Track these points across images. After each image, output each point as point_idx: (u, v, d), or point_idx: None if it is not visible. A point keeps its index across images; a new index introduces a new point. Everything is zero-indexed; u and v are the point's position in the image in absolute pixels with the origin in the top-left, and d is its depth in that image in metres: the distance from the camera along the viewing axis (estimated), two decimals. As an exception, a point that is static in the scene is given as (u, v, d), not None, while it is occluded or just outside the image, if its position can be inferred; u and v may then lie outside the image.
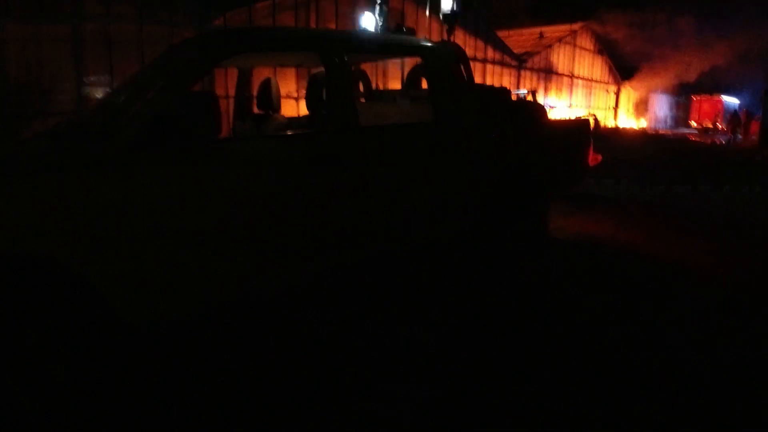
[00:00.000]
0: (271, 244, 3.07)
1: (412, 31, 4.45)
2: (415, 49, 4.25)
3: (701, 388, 2.73)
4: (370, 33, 4.15)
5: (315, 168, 3.18)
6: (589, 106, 29.11)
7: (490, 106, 4.41)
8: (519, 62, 22.50)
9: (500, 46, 21.04)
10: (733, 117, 26.91)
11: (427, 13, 6.54)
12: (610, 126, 29.89)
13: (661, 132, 31.83)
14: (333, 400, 2.53)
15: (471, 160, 4.10)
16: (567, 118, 5.33)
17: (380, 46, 4.10)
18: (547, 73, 24.94)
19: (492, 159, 4.27)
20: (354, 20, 14.01)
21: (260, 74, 5.13)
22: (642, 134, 27.80)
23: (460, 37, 17.97)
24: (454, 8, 4.57)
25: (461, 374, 2.81)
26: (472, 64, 4.45)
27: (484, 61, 20.12)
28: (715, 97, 33.66)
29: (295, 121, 4.29)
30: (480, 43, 19.50)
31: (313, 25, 13.00)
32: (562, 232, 5.69)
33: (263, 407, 2.46)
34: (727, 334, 3.41)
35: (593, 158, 5.57)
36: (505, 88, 6.14)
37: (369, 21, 5.24)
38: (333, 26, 13.53)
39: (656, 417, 2.47)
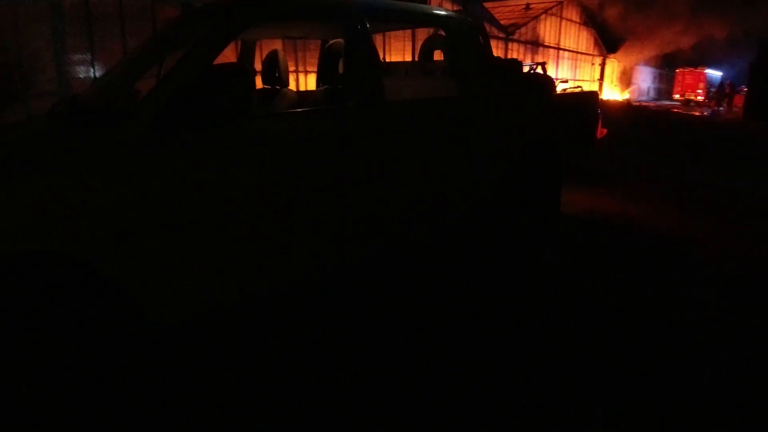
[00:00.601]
0: (310, 230, 2.90)
1: (424, 1, 4.22)
2: (439, 20, 4.02)
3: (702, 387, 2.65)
4: (394, 1, 3.89)
5: (349, 145, 3.00)
6: (575, 78, 28.87)
7: (507, 79, 4.29)
8: (506, 34, 22.12)
9: (488, 18, 20.64)
10: (719, 89, 26.84)
11: None
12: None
13: (643, 104, 31.73)
14: (333, 399, 2.49)
15: (496, 134, 3.99)
16: (574, 91, 5.25)
17: (404, 15, 3.84)
18: (534, 45, 24.59)
19: (513, 132, 4.19)
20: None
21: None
22: (626, 106, 27.65)
23: (447, 8, 17.58)
24: None
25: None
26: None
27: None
28: (699, 70, 33.54)
29: (310, 97, 3.93)
30: (455, 6, 19.10)
31: None
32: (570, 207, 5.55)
33: (263, 407, 2.41)
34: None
35: (600, 131, 5.53)
36: (517, 60, 5.97)
37: None
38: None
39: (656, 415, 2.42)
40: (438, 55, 4.57)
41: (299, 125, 2.94)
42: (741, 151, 12.15)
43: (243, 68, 2.47)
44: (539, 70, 17.84)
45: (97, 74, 8.61)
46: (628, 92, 35.00)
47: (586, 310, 3.40)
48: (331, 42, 3.70)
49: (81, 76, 8.43)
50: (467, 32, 3.90)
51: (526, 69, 17.60)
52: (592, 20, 30.14)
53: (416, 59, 4.67)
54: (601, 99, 29.37)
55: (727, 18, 31.57)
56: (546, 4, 25.55)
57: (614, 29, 31.36)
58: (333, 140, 2.96)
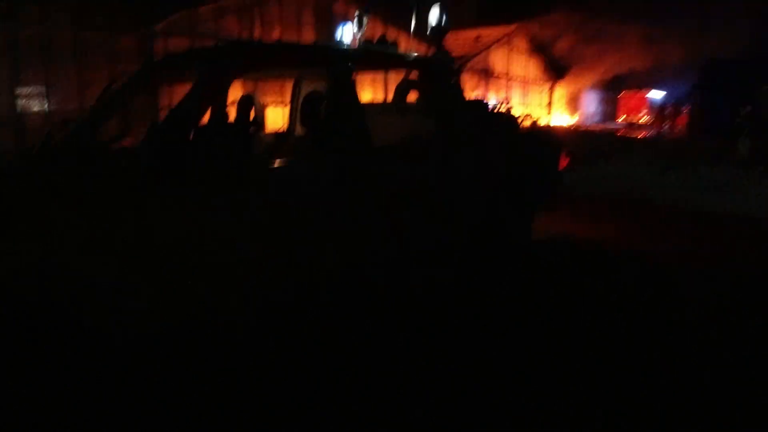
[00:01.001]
0: (303, 275, 2.90)
1: (395, 45, 4.25)
2: (417, 63, 4.10)
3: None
4: (376, 47, 4.11)
5: (344, 193, 2.99)
6: (525, 105, 29.51)
7: (478, 118, 4.40)
8: (459, 65, 22.48)
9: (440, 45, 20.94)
10: (661, 111, 27.82)
11: (412, 27, 6.25)
12: (543, 124, 30.36)
13: (590, 128, 32.58)
14: (333, 399, 2.52)
15: (472, 173, 4.02)
16: (540, 127, 5.38)
17: (386, 60, 4.06)
18: (486, 74, 25.07)
19: (486, 170, 4.26)
20: (299, 24, 13.55)
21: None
22: (574, 130, 28.33)
23: (404, 42, 17.76)
24: (443, 23, 4.29)
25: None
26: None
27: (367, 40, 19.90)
28: (641, 93, 34.79)
29: (292, 141, 3.94)
30: (422, 47, 19.30)
31: (257, 30, 12.44)
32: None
33: (264, 407, 2.44)
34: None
35: (563, 161, 5.68)
36: (482, 100, 6.24)
37: (340, 32, 4.88)
38: (277, 31, 13.02)
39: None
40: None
41: (298, 177, 2.91)
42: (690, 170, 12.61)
43: (241, 125, 2.51)
44: (503, 107, 18.15)
45: (52, 107, 8.28)
46: (576, 117, 35.95)
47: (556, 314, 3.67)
48: (312, 85, 3.74)
49: (36, 109, 8.12)
50: (443, 75, 3.99)
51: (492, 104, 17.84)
52: (539, 49, 31.02)
53: (387, 95, 4.70)
54: (550, 124, 30.30)
55: (660, 47, 33.09)
56: (496, 34, 26.19)
57: (560, 58, 32.35)
58: (326, 190, 2.95)
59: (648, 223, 6.76)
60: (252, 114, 3.88)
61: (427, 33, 4.28)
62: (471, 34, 26.63)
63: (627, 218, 6.94)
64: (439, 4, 4.35)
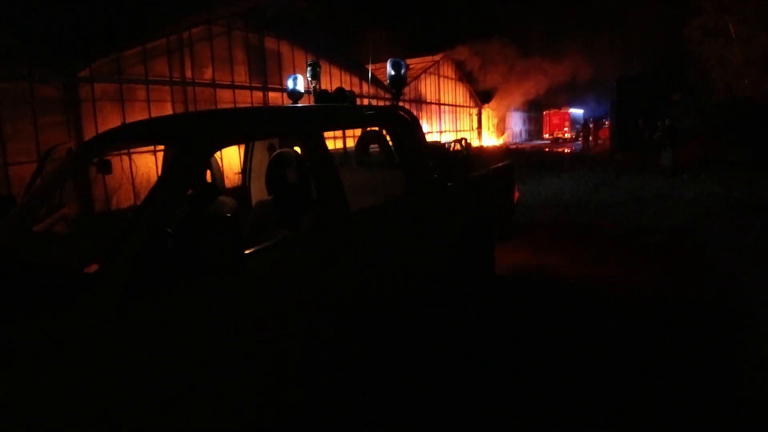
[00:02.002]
0: (297, 346, 2.69)
1: (353, 96, 4.05)
2: (382, 118, 3.90)
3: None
4: (343, 108, 3.86)
5: (324, 266, 2.79)
6: (456, 130, 29.99)
7: (442, 163, 4.32)
8: (392, 94, 22.56)
9: (374, 81, 20.96)
10: (584, 126, 28.86)
11: (369, 76, 6.05)
12: (475, 146, 30.93)
13: (520, 146, 33.46)
14: (334, 399, 2.80)
15: (442, 220, 3.98)
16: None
17: (352, 120, 3.82)
18: (418, 102, 25.32)
19: (454, 214, 4.22)
20: (231, 62, 13.15)
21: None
22: (504, 150, 28.96)
23: (336, 74, 17.68)
24: (402, 73, 4.15)
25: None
26: (352, 101, 4.50)
27: (361, 96, 19.90)
28: (563, 110, 36.15)
29: (262, 208, 3.57)
30: (355, 79, 19.26)
31: (188, 71, 11.96)
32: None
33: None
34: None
35: (516, 194, 5.77)
36: (443, 144, 6.12)
37: (291, 83, 4.66)
38: (209, 72, 12.58)
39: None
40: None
41: (286, 255, 2.66)
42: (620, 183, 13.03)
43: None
44: (459, 146, 18.08)
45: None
46: (504, 137, 36.88)
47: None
48: (279, 151, 3.38)
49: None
50: (408, 127, 3.82)
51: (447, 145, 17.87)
52: (466, 75, 31.73)
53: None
54: (482, 146, 30.96)
55: (576, 66, 34.66)
56: (424, 63, 26.58)
57: (484, 83, 33.25)
58: (313, 262, 2.75)
59: (589, 246, 6.79)
60: (208, 180, 3.56)
61: (387, 83, 4.13)
62: (400, 64, 26.95)
63: (572, 243, 6.94)
64: (394, 58, 4.27)
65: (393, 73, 4.14)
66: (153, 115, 10.99)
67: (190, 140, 2.46)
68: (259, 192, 4.44)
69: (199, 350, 2.15)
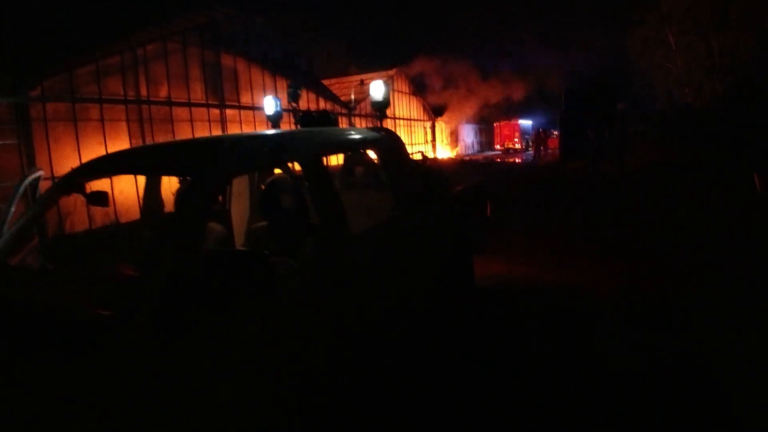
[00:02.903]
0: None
1: (336, 117, 4.02)
2: (373, 142, 3.84)
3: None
4: (339, 131, 3.86)
5: (336, 287, 2.77)
6: (411, 143, 30.09)
7: (423, 181, 4.28)
8: (348, 110, 22.46)
9: (330, 96, 20.81)
10: (535, 136, 29.45)
11: (352, 101, 5.97)
12: (430, 158, 31.08)
13: (473, 157, 33.88)
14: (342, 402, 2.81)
15: (428, 238, 3.99)
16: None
17: (345, 144, 3.77)
18: (374, 117, 25.25)
19: (437, 231, 4.22)
20: (186, 79, 12.76)
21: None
22: (459, 162, 29.23)
23: (331, 108, 17.50)
24: (384, 96, 4.18)
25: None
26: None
27: (298, 110, 19.68)
28: (513, 122, 36.84)
29: (258, 234, 3.39)
30: (312, 95, 19.05)
31: (143, 89, 11.51)
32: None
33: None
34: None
35: (489, 207, 5.82)
36: (421, 163, 6.16)
37: (270, 104, 4.57)
38: (164, 90, 12.15)
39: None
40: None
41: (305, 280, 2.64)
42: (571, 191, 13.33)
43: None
44: (417, 156, 17.98)
45: None
46: (457, 149, 37.29)
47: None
48: (274, 177, 3.27)
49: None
50: (395, 149, 3.83)
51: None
52: (419, 90, 31.96)
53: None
54: (436, 157, 31.19)
55: (523, 79, 35.55)
56: (379, 78, 26.53)
57: (437, 97, 33.63)
58: (328, 283, 2.73)
59: (560, 254, 6.87)
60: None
61: (372, 107, 4.14)
62: (355, 78, 26.90)
63: (543, 253, 6.98)
64: (382, 80, 4.29)
65: (377, 96, 4.11)
66: (108, 135, 10.51)
67: (206, 169, 2.31)
68: (238, 214, 4.24)
69: (230, 381, 2.08)
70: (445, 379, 3.66)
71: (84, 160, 10.07)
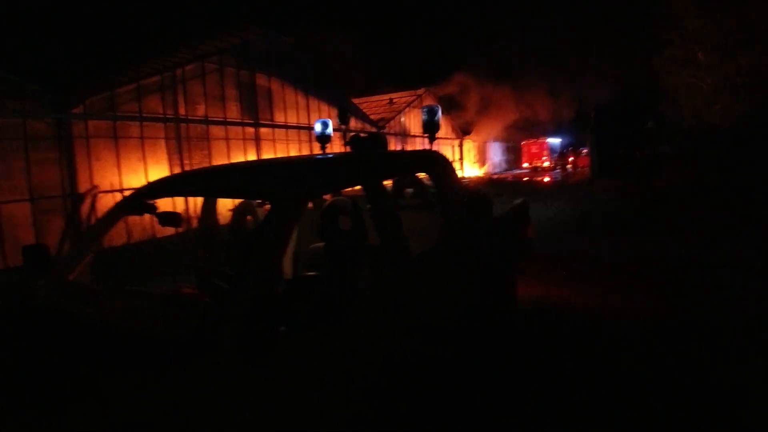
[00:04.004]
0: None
1: (385, 140, 4.10)
2: (425, 164, 3.91)
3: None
4: (395, 154, 4.27)
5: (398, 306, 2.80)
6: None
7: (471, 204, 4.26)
8: (377, 128, 22.47)
9: (360, 115, 20.87)
10: (562, 155, 29.05)
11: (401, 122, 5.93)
12: (459, 177, 30.87)
13: (501, 176, 33.56)
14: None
15: (476, 260, 3.98)
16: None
17: (402, 167, 3.87)
18: (403, 135, 25.25)
19: (484, 253, 4.20)
20: (222, 100, 12.90)
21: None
22: (488, 179, 28.95)
23: (324, 110, 17.50)
24: (435, 118, 4.21)
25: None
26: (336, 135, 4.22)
27: (348, 130, 19.73)
28: (541, 140, 36.40)
29: (312, 255, 3.39)
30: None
31: (181, 108, 11.65)
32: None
33: None
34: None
35: (530, 229, 5.76)
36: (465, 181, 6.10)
37: (323, 126, 4.56)
38: (201, 108, 12.29)
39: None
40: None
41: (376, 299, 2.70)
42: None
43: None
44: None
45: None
46: (485, 168, 37.01)
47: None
48: (333, 199, 3.26)
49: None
50: (446, 170, 3.83)
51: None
52: (447, 108, 31.90)
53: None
54: (464, 176, 31.01)
55: (552, 97, 35.28)
56: (407, 98, 26.61)
57: (464, 116, 33.49)
58: (390, 305, 2.75)
59: (597, 277, 6.66)
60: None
61: (423, 130, 4.15)
62: (384, 97, 26.97)
63: (578, 274, 6.77)
64: (433, 104, 4.36)
65: (427, 118, 4.09)
66: (147, 152, 10.64)
67: (288, 193, 2.36)
68: None
69: (311, 400, 2.11)
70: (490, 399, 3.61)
71: (124, 176, 10.30)
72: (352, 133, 4.16)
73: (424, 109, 4.31)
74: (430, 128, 4.20)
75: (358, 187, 3.09)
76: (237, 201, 3.83)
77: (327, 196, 3.54)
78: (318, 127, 4.54)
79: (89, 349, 1.95)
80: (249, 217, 3.66)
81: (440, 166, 3.83)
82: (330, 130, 4.47)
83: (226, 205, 3.99)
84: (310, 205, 4.12)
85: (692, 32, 22.16)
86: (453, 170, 3.97)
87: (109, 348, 1.93)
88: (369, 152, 3.78)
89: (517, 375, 3.97)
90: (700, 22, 21.73)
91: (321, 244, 3.18)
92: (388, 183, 4.64)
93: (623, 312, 5.25)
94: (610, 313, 5.25)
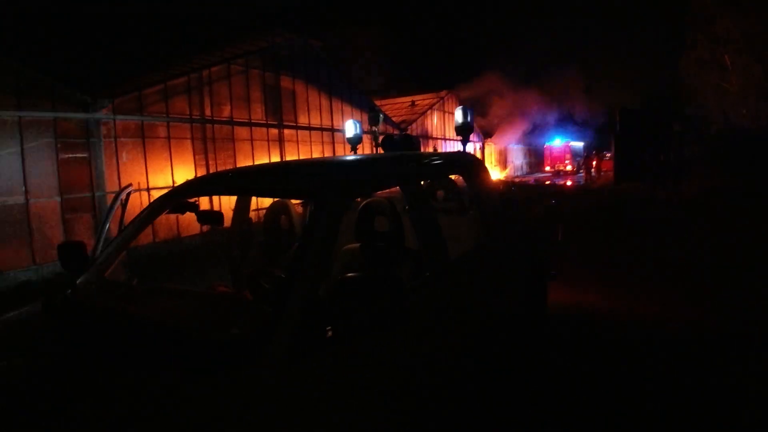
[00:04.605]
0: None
1: (418, 141, 4.08)
2: (459, 166, 3.78)
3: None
4: (430, 156, 3.87)
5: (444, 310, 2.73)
6: (461, 163, 29.73)
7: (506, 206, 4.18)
8: (400, 130, 22.39)
9: (383, 117, 20.80)
10: (586, 159, 28.62)
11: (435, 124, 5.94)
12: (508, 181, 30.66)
13: (523, 179, 33.20)
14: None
15: (512, 264, 3.92)
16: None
17: (438, 168, 3.73)
18: (425, 138, 25.13)
19: (519, 257, 4.15)
20: (248, 101, 12.93)
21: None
22: (511, 183, 28.62)
23: (348, 112, 17.48)
24: (468, 120, 4.11)
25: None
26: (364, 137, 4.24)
27: (370, 132, 19.70)
28: (564, 143, 35.94)
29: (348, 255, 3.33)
30: (365, 115, 19.06)
31: (207, 109, 11.70)
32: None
33: None
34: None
35: (561, 232, 5.59)
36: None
37: (351, 127, 4.52)
38: (227, 110, 12.33)
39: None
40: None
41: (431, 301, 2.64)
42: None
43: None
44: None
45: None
46: (507, 171, 36.68)
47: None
48: (370, 199, 3.15)
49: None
50: (481, 173, 3.72)
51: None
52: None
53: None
54: (513, 180, 30.73)
55: (574, 99, 34.85)
56: (430, 100, 26.48)
57: (486, 119, 33.23)
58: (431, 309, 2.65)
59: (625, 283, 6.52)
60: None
61: (456, 132, 4.11)
62: (406, 99, 26.87)
63: (607, 279, 6.64)
64: (464, 106, 4.24)
65: (460, 120, 3.99)
66: (173, 152, 10.69)
67: (331, 194, 2.30)
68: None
69: (365, 404, 2.08)
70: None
71: (150, 176, 10.37)
72: (382, 135, 4.05)
73: (458, 110, 4.20)
74: (464, 130, 4.09)
75: (395, 189, 3.02)
76: (267, 201, 3.76)
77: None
78: (349, 128, 4.47)
79: (136, 348, 1.90)
80: (283, 217, 3.59)
81: (475, 168, 3.73)
82: (360, 131, 4.40)
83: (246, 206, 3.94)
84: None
85: (719, 34, 21.67)
86: (487, 172, 3.87)
87: (157, 347, 1.89)
88: (404, 153, 3.70)
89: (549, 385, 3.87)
90: (727, 24, 21.25)
91: (355, 245, 3.09)
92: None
93: (650, 318, 5.18)
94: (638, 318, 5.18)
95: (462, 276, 3.03)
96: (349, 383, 2.01)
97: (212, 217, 2.94)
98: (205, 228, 10.16)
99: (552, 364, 4.13)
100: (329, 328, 1.92)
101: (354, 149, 4.41)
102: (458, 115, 4.10)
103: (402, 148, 3.83)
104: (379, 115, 4.37)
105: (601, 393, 3.71)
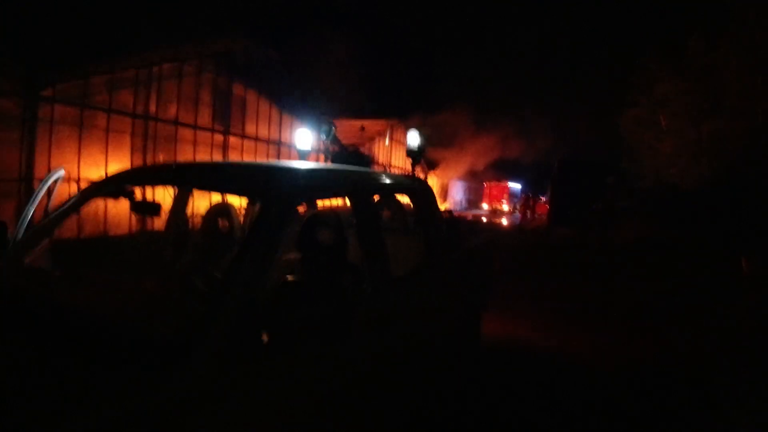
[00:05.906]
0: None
1: (370, 159, 3.93)
2: (408, 188, 3.85)
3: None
4: (381, 174, 4.19)
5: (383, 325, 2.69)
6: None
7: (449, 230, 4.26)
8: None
9: (334, 139, 20.84)
10: (524, 200, 29.65)
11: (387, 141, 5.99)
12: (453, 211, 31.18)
13: (462, 214, 33.97)
14: None
15: (451, 289, 3.95)
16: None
17: (388, 186, 3.74)
18: (370, 163, 25.35)
19: (459, 283, 4.20)
20: (196, 103, 12.66)
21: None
22: (452, 212, 29.14)
23: (297, 127, 17.41)
24: (421, 145, 4.22)
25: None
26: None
27: (318, 151, 19.67)
28: (503, 183, 37.21)
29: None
30: (315, 133, 19.04)
31: (153, 105, 11.37)
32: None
33: None
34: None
35: (498, 262, 5.78)
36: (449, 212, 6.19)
37: (299, 137, 4.53)
38: (173, 110, 12.02)
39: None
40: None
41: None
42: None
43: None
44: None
45: None
46: (446, 205, 37.47)
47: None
48: (315, 211, 3.12)
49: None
50: (428, 197, 3.79)
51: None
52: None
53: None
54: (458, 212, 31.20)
55: (517, 143, 36.29)
56: (379, 126, 26.81)
57: (432, 152, 33.97)
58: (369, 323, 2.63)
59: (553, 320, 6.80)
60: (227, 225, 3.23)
61: (407, 155, 4.14)
62: (356, 123, 27.08)
63: (536, 315, 6.88)
64: (417, 129, 4.32)
65: (414, 144, 4.07)
66: (111, 145, 10.28)
67: (281, 196, 2.25)
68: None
69: (295, 413, 2.02)
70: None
71: (83, 167, 9.88)
72: (334, 148, 4.10)
73: (412, 132, 4.29)
74: (416, 153, 4.18)
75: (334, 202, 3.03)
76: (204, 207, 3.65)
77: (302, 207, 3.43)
78: (301, 138, 4.47)
79: (53, 338, 1.78)
80: (222, 220, 3.46)
81: (424, 191, 3.82)
82: (314, 142, 4.41)
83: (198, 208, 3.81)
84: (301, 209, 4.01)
85: (658, 97, 23.26)
86: (434, 197, 3.96)
87: (76, 339, 1.78)
88: (357, 167, 3.75)
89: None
90: (667, 88, 22.85)
91: (294, 255, 3.03)
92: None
93: (577, 354, 5.43)
94: (563, 355, 5.41)
95: (403, 294, 3.03)
96: (282, 392, 1.96)
97: (148, 207, 2.76)
98: (135, 227, 9.79)
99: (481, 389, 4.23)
100: (265, 333, 1.87)
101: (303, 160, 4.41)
102: (412, 138, 4.19)
103: (354, 164, 3.88)
104: (332, 128, 4.40)
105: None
